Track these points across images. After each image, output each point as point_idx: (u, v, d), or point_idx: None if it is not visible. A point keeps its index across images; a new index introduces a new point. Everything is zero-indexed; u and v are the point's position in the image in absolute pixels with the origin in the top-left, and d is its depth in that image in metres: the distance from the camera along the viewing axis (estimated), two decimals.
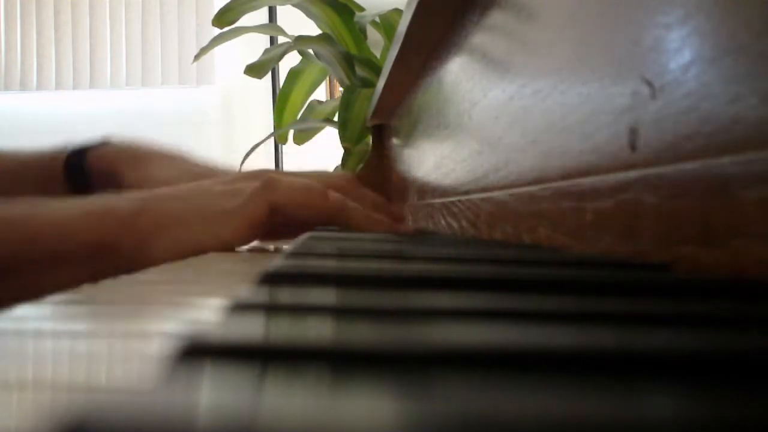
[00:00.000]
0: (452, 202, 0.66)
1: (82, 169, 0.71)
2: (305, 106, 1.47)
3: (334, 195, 0.56)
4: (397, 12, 1.26)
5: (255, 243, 0.60)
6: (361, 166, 1.19)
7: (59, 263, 0.45)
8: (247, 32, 1.43)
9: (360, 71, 1.30)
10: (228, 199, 0.52)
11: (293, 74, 1.46)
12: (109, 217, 0.47)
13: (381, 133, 1.15)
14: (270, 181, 0.52)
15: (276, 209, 0.52)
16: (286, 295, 0.18)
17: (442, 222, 0.70)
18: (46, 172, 0.72)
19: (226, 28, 1.37)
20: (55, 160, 0.71)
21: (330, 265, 0.26)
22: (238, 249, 0.54)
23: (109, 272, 0.50)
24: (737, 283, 0.21)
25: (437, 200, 0.74)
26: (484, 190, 0.55)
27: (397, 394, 0.10)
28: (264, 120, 2.97)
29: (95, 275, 0.50)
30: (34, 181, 0.71)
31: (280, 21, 2.39)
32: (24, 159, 0.72)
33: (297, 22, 1.62)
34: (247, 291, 0.18)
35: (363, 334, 0.13)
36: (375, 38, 1.33)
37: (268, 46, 1.86)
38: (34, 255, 0.44)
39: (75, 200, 0.48)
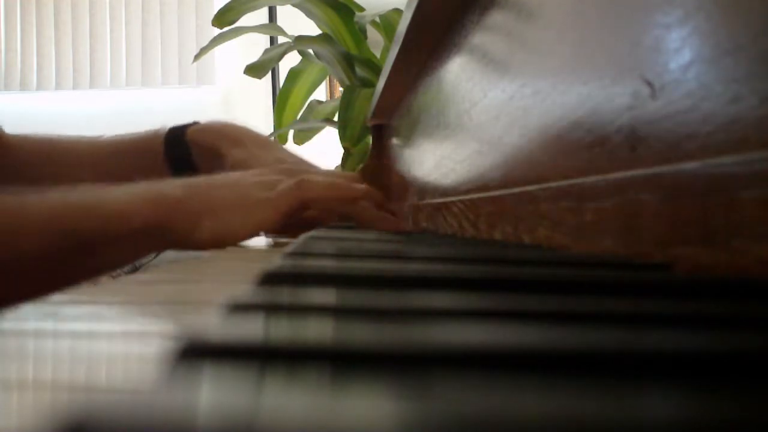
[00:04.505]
0: (452, 202, 0.66)
1: (183, 142, 0.79)
2: (305, 106, 1.47)
3: (357, 185, 0.67)
4: (397, 12, 1.26)
5: (268, 238, 0.70)
6: (361, 166, 1.19)
7: (124, 242, 0.54)
8: (247, 32, 1.43)
9: (360, 71, 1.30)
10: (263, 190, 0.60)
11: (293, 74, 1.46)
12: (163, 201, 0.56)
13: (381, 133, 1.15)
14: (303, 182, 0.61)
15: (306, 204, 0.62)
16: (286, 295, 0.18)
17: (442, 222, 0.70)
18: (147, 152, 0.80)
19: (226, 28, 1.37)
20: (156, 136, 0.79)
21: (330, 265, 0.26)
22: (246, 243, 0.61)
23: (161, 248, 0.60)
24: (737, 283, 0.21)
25: (437, 200, 0.74)
26: (484, 190, 0.55)
27: (396, 394, 0.10)
28: (264, 120, 2.97)
29: (150, 250, 0.60)
30: (135, 160, 0.79)
31: (280, 21, 2.39)
32: (120, 142, 0.81)
33: (297, 22, 1.62)
34: (247, 291, 0.18)
35: (363, 334, 0.13)
36: (375, 38, 1.33)
37: (268, 46, 1.86)
38: (106, 234, 0.53)
39: (133, 187, 0.56)
